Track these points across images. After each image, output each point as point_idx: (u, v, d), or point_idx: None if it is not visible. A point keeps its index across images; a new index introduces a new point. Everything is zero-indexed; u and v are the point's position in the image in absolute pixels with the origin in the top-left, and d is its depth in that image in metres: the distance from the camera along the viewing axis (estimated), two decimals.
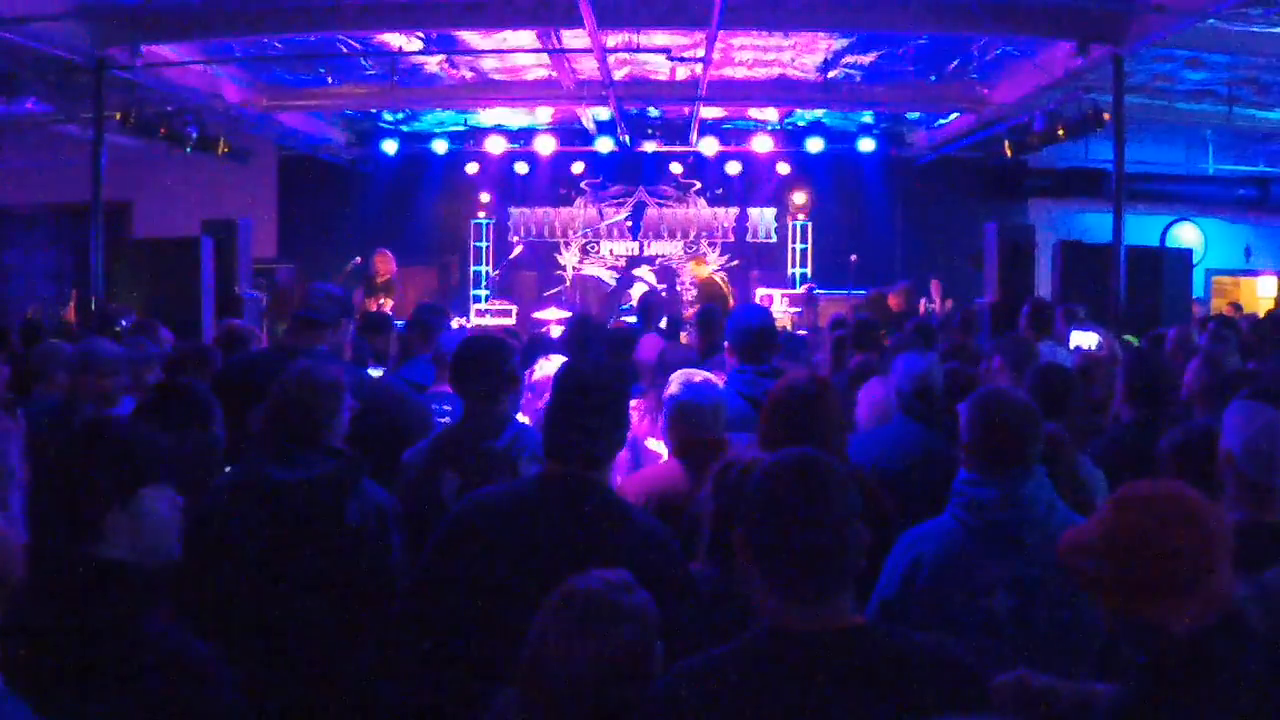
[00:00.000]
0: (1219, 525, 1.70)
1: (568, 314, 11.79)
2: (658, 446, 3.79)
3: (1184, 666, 1.63)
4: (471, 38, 10.05)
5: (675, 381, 3.33)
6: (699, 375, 3.38)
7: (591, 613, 1.84)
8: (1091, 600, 1.79)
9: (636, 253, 15.18)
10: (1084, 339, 6.25)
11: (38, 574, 1.76)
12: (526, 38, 9.82)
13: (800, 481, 1.74)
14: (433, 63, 10.98)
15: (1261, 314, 10.99)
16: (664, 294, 13.12)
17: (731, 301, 12.11)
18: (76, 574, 1.80)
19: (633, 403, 4.21)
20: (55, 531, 1.84)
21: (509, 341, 3.49)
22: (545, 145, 13.97)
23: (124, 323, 6.96)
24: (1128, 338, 7.29)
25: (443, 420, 3.96)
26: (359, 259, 12.22)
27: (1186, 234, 14.57)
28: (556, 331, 9.26)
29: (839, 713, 1.63)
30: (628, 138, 13.69)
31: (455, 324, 8.35)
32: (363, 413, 3.07)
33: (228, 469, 3.01)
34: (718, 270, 15.08)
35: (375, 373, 4.87)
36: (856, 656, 1.67)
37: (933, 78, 11.34)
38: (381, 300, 11.06)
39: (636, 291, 13.85)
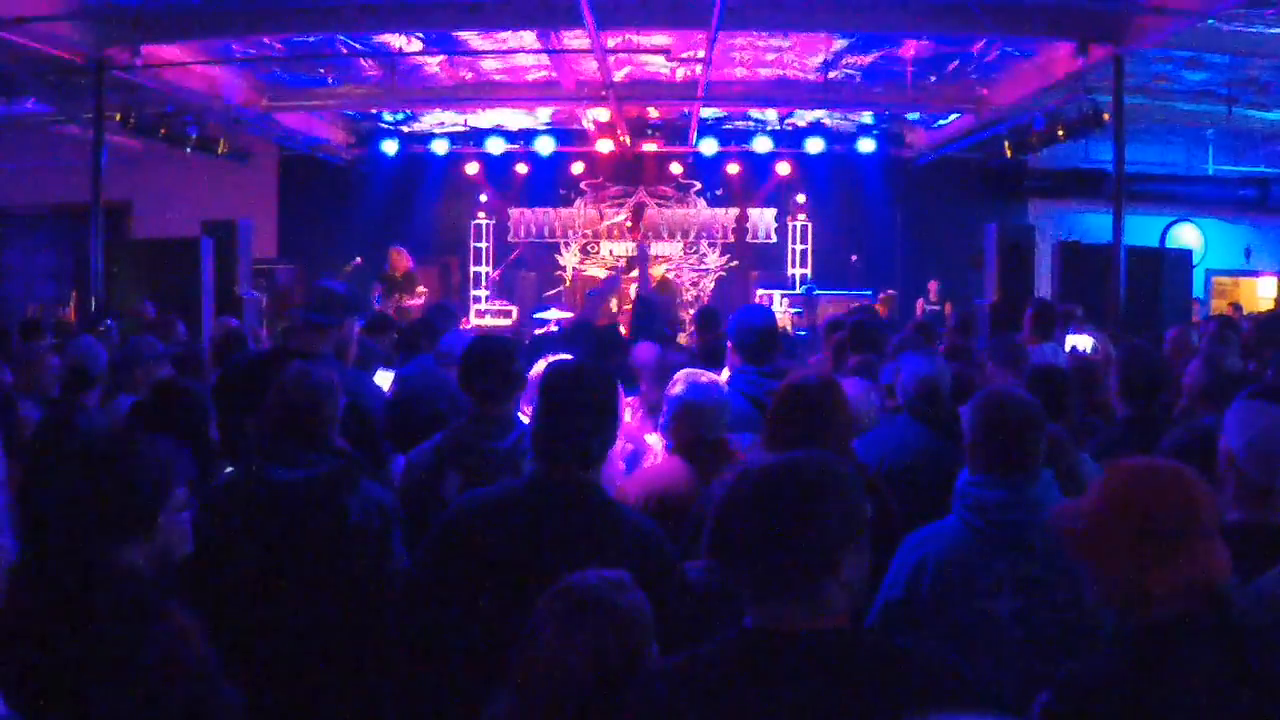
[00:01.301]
0: (1206, 501, 1.74)
1: (568, 314, 11.80)
2: (655, 441, 3.80)
3: (1160, 642, 1.66)
4: (471, 38, 10.05)
5: (680, 381, 3.33)
6: (704, 375, 3.38)
7: (585, 609, 1.85)
8: (1089, 576, 1.82)
9: (636, 253, 15.16)
10: (1079, 341, 6.26)
11: (49, 580, 1.78)
12: (526, 38, 9.82)
13: (785, 482, 1.70)
14: (433, 63, 10.98)
15: (1261, 313, 10.99)
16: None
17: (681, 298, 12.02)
18: (96, 581, 1.81)
19: (628, 400, 4.23)
20: (79, 542, 1.86)
21: (516, 342, 3.51)
22: (545, 146, 13.97)
23: (109, 323, 6.98)
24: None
25: None
26: (359, 259, 12.23)
27: (1186, 234, 14.57)
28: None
29: (810, 713, 1.62)
30: (627, 138, 13.69)
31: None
32: (406, 401, 3.09)
33: (228, 470, 3.02)
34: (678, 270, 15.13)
35: (386, 374, 4.87)
36: (833, 658, 1.65)
37: (933, 78, 11.34)
38: (419, 291, 11.14)
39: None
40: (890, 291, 11.73)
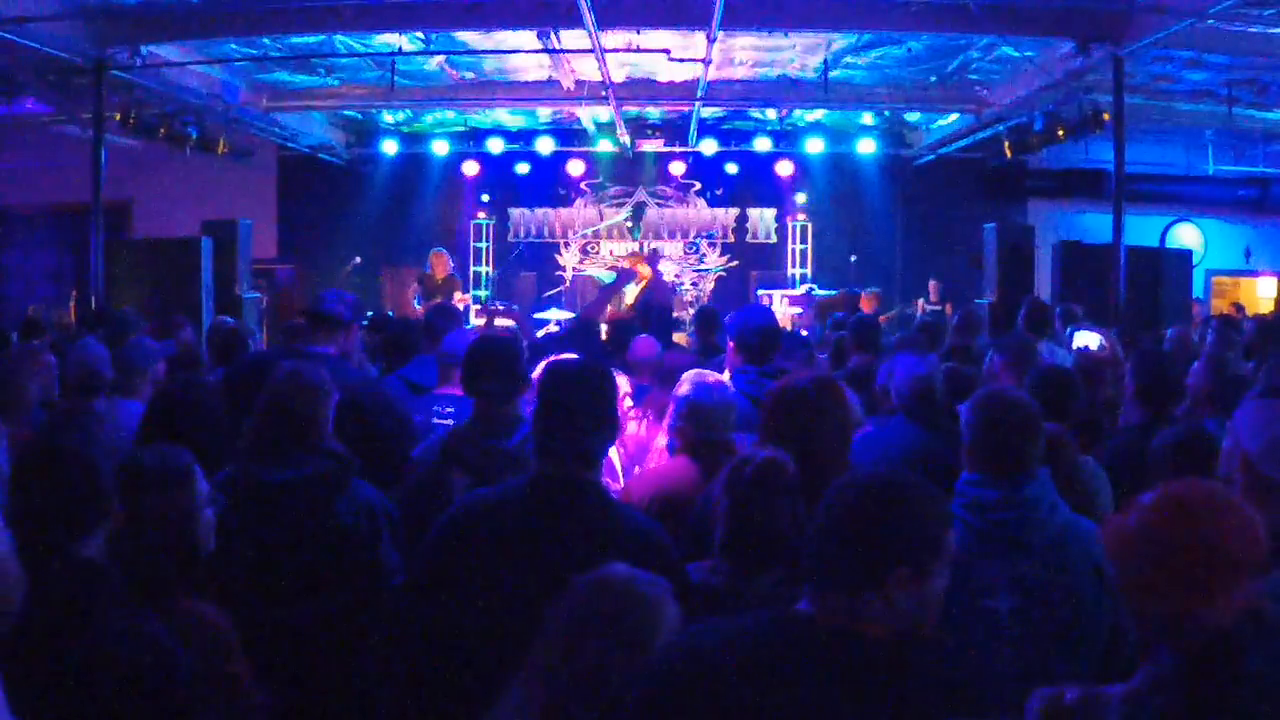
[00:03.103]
0: (1258, 525, 1.74)
1: (568, 314, 11.79)
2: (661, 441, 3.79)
3: (1223, 660, 1.67)
4: (471, 38, 10.05)
5: (686, 381, 3.33)
6: (711, 376, 3.38)
7: (629, 604, 1.86)
8: (1133, 599, 1.79)
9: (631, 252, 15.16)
10: (1087, 339, 6.24)
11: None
12: (526, 38, 9.82)
13: (854, 495, 1.76)
14: (433, 63, 10.98)
15: (1265, 314, 10.99)
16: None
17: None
18: (65, 573, 1.86)
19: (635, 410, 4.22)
20: (47, 534, 1.92)
21: (519, 342, 3.50)
22: (545, 146, 13.98)
23: (145, 325, 6.91)
24: None
25: (444, 423, 3.96)
26: (359, 259, 12.23)
27: (1186, 234, 14.57)
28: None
29: (825, 707, 1.65)
30: (628, 138, 13.69)
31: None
32: (340, 413, 3.10)
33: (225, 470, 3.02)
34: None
35: None
36: (849, 656, 1.68)
37: (933, 78, 11.34)
38: (458, 298, 11.12)
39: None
40: (875, 290, 11.75)
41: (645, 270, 11.37)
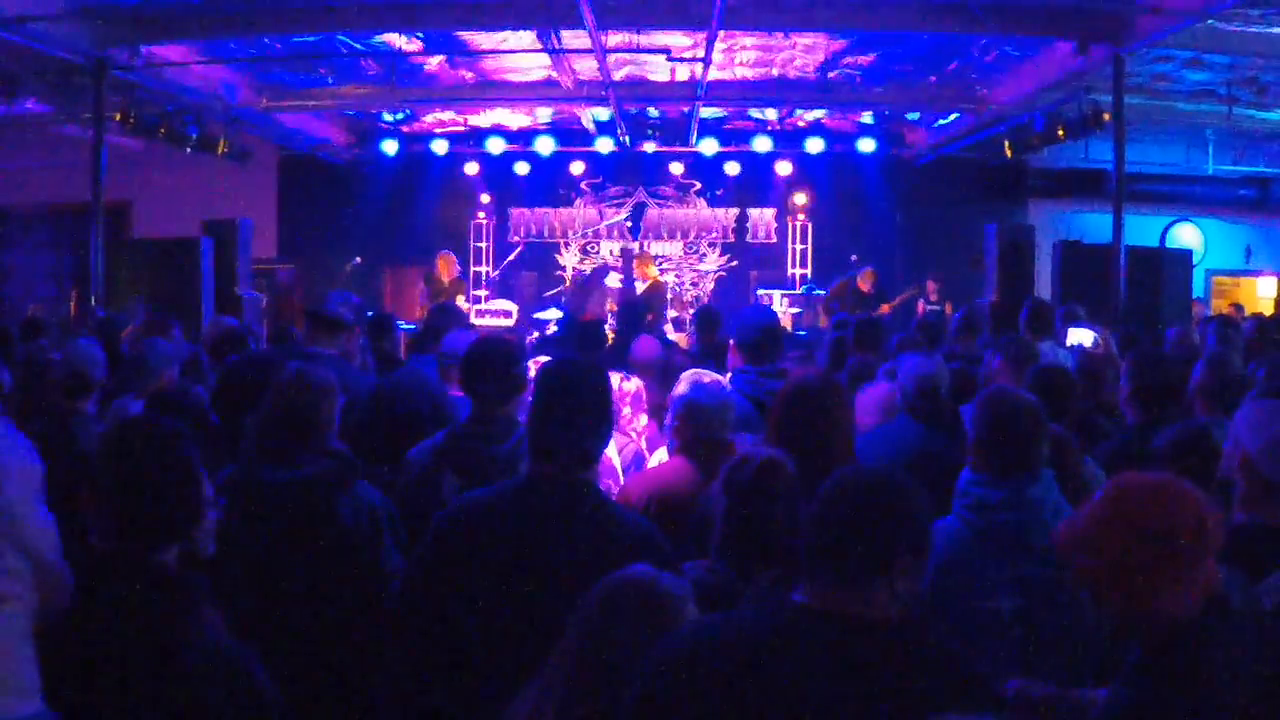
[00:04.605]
0: (1211, 512, 1.77)
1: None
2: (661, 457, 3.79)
3: (1184, 650, 1.69)
4: (471, 38, 10.05)
5: (684, 381, 3.33)
6: (708, 375, 3.38)
7: (657, 605, 1.86)
8: (1092, 594, 1.85)
9: (636, 253, 15.15)
10: (1080, 336, 6.23)
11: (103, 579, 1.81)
12: (526, 38, 9.82)
13: (862, 486, 1.84)
14: (433, 63, 10.98)
15: (1265, 314, 10.99)
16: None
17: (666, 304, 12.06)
18: (144, 581, 1.86)
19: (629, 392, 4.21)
20: (130, 541, 1.92)
21: (517, 344, 3.50)
22: (545, 146, 13.98)
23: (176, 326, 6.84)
24: None
25: None
26: (359, 259, 12.21)
27: (1186, 234, 14.56)
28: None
29: (839, 687, 1.67)
30: (628, 138, 13.68)
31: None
32: (385, 400, 3.10)
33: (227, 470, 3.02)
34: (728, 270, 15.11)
35: None
36: (870, 642, 1.71)
37: (933, 78, 11.34)
38: (461, 302, 11.10)
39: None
40: (869, 268, 11.78)
41: (652, 272, 11.40)
